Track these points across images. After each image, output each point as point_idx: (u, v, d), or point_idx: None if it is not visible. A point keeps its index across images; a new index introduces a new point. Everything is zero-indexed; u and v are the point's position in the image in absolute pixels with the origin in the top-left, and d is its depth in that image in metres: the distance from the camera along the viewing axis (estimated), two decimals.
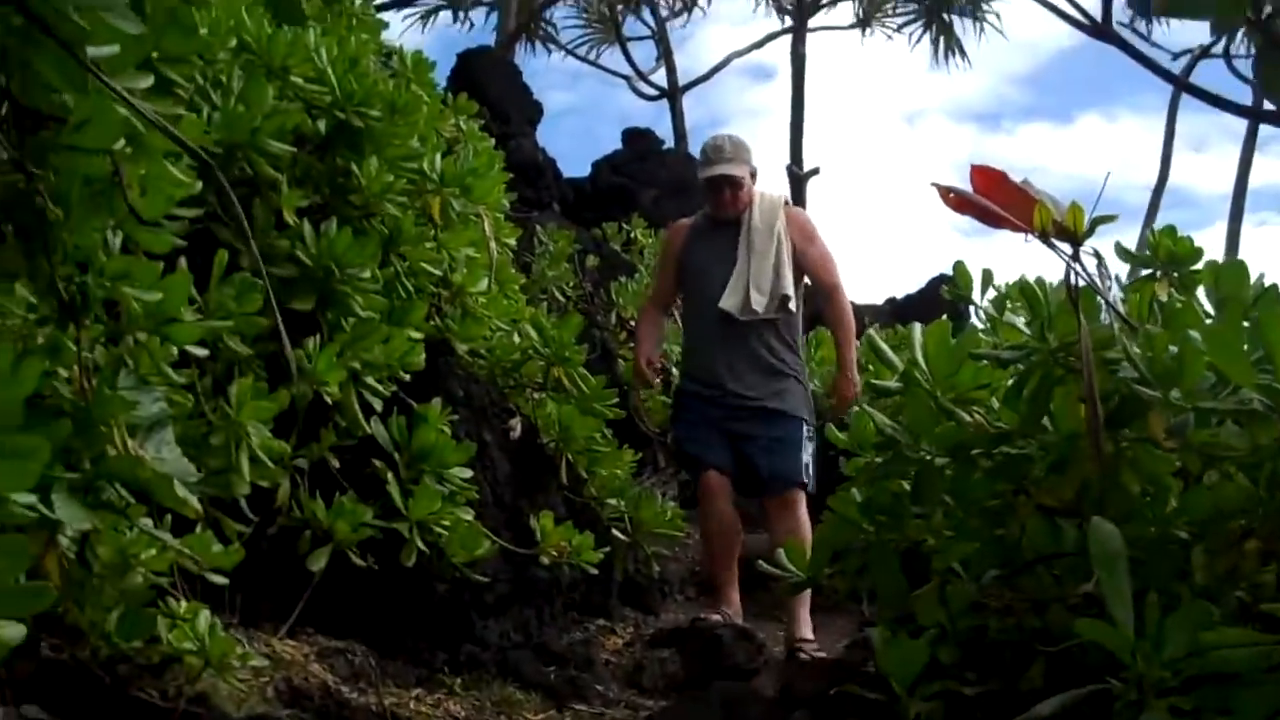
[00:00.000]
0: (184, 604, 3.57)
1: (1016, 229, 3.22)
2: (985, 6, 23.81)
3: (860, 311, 17.17)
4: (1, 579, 2.55)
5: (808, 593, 5.82)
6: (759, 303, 6.33)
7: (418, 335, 5.10)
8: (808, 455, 6.37)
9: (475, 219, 5.89)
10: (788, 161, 22.86)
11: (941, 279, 16.26)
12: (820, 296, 6.71)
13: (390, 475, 4.88)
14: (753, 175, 6.61)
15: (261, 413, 3.96)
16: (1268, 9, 1.59)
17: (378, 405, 4.89)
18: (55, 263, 2.70)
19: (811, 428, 6.44)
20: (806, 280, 6.79)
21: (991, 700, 3.43)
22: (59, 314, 2.82)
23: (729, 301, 6.36)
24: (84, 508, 2.94)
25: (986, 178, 3.15)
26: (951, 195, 3.17)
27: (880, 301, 17.80)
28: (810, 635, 6.19)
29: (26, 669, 3.14)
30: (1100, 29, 1.59)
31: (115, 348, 3.10)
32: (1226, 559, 3.06)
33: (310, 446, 4.66)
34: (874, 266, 49.94)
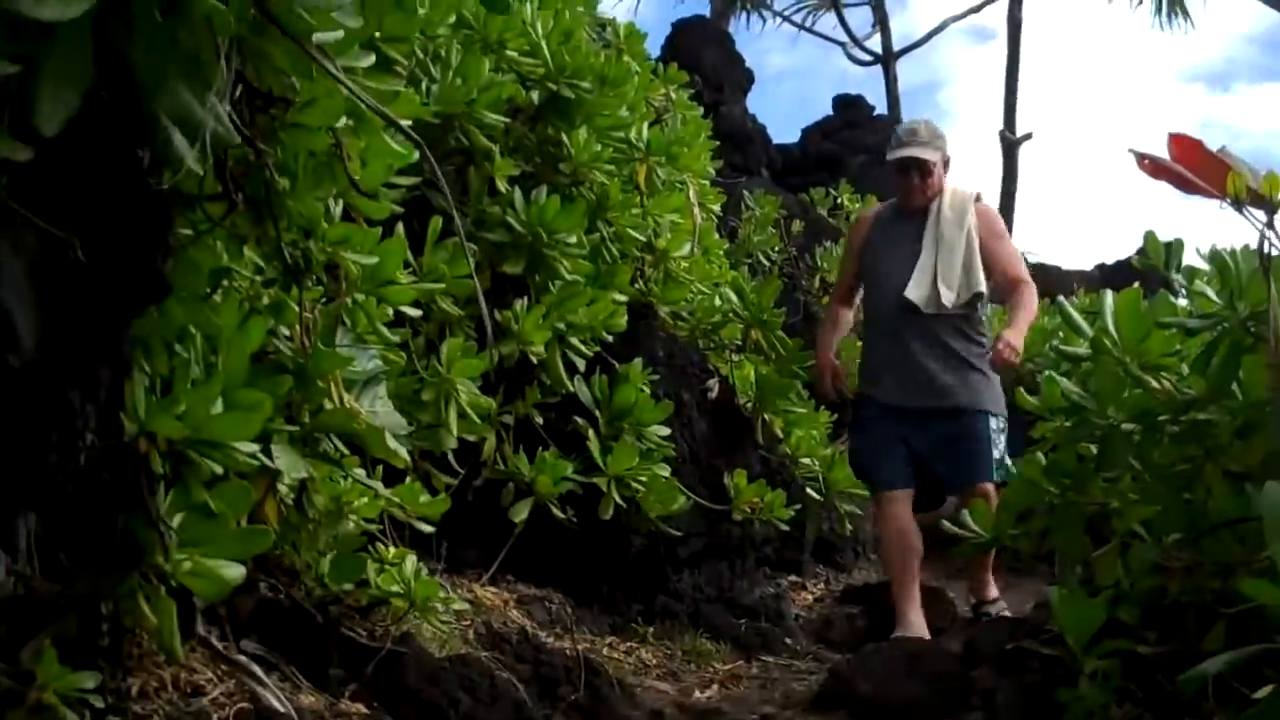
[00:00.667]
0: (392, 550, 3.72)
1: (1210, 195, 3.21)
2: None
3: (1069, 277, 16.97)
4: (225, 522, 2.72)
5: (991, 555, 5.79)
6: (947, 297, 5.81)
7: (621, 298, 5.24)
8: (999, 451, 5.87)
9: (680, 186, 5.98)
10: (1001, 127, 22.51)
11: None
12: (1005, 290, 6.08)
13: (591, 432, 5.02)
14: (945, 164, 6.03)
15: (470, 370, 4.10)
16: None
17: (581, 365, 5.03)
18: (281, 229, 2.83)
19: (1001, 419, 5.94)
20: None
21: (1170, 660, 3.43)
22: (283, 276, 2.96)
23: (915, 293, 5.82)
24: (301, 457, 3.09)
25: (1183, 145, 3.16)
26: (1147, 161, 3.18)
27: (1089, 268, 17.52)
28: (995, 596, 6.06)
29: (246, 606, 3.30)
30: None
31: (333, 306, 3.23)
32: None
33: (515, 403, 4.83)
34: (1089, 231, 48.87)
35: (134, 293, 1.97)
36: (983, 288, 5.87)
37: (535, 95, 5.00)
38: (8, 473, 2.02)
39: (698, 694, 4.64)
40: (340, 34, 2.33)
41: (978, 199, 6.16)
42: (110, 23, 1.49)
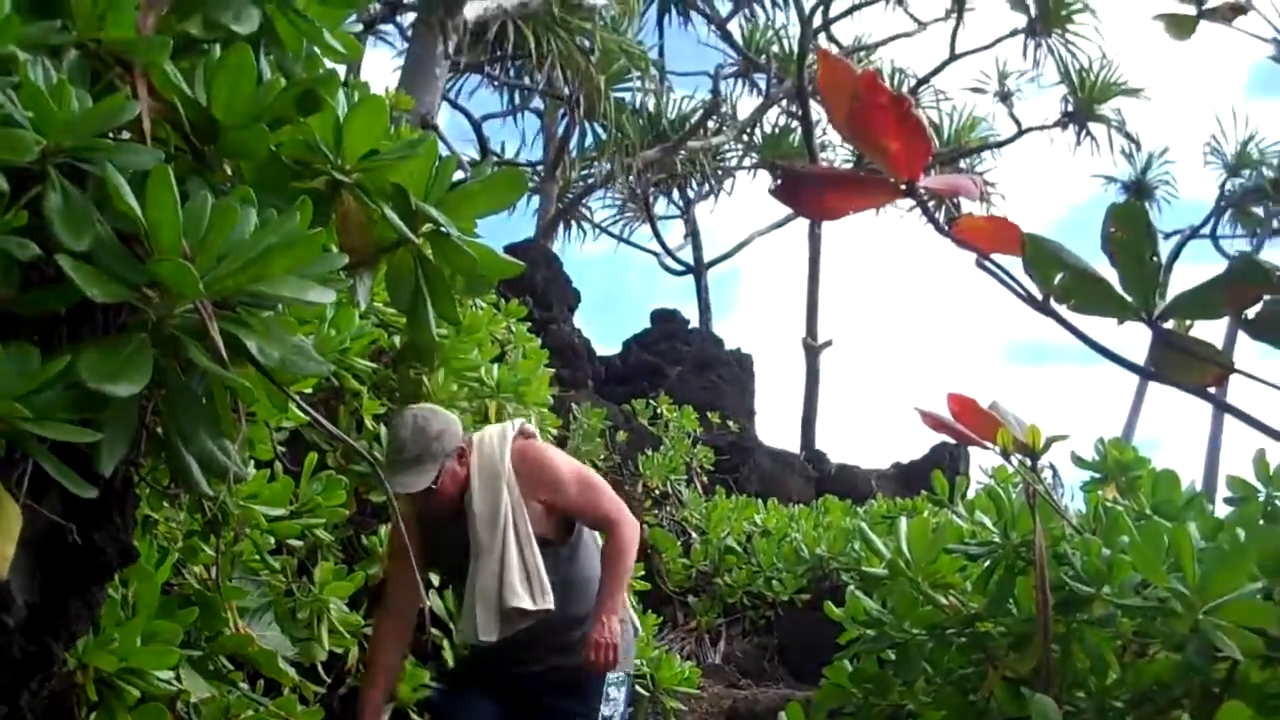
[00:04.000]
0: None
1: (983, 446, 3.66)
2: (990, 188, 24.63)
3: (867, 475, 17.60)
4: None
5: None
6: (486, 627, 4.42)
7: None
8: (612, 714, 4.62)
9: (525, 414, 6.33)
10: (804, 335, 23.40)
11: (944, 445, 16.74)
12: (600, 532, 4.79)
13: (445, 641, 5.27)
14: (459, 455, 4.51)
15: (341, 591, 4.40)
16: (1158, 309, 1.95)
17: (435, 581, 5.29)
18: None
19: (619, 674, 4.64)
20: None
21: None
22: (203, 526, 3.30)
23: (476, 633, 4.44)
24: (204, 678, 3.40)
25: (959, 403, 3.53)
26: (930, 418, 3.56)
27: (886, 466, 18.19)
28: None
29: None
30: (1041, 306, 1.97)
31: (236, 548, 3.56)
32: None
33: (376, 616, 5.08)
34: (888, 430, 50.21)
35: (110, 561, 2.30)
36: (521, 599, 4.39)
37: (397, 340, 5.34)
38: None
39: None
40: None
41: (517, 443, 4.68)
42: (155, 391, 1.90)
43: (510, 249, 14.32)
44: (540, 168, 22.49)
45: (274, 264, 1.96)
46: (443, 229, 2.47)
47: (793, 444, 20.57)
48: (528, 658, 4.54)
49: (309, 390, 3.80)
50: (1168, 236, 24.87)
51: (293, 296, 2.00)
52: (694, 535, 11.52)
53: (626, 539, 4.61)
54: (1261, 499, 4.26)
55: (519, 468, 4.56)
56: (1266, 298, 1.78)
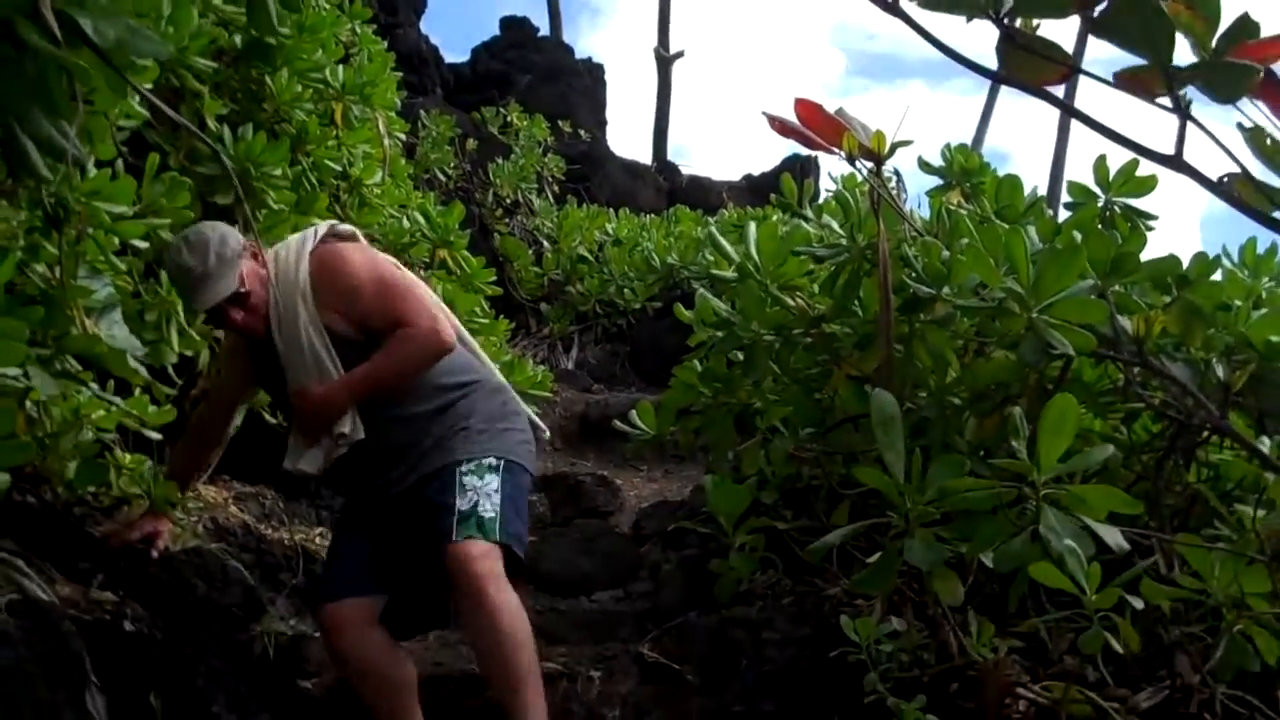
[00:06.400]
0: (129, 456, 3.99)
1: (829, 150, 3.68)
2: None
3: (718, 187, 17.72)
4: None
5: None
6: (296, 453, 3.91)
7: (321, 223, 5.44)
8: (475, 499, 3.74)
9: (372, 119, 6.21)
10: (655, 45, 23.12)
11: (795, 157, 16.86)
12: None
13: None
14: (251, 254, 3.94)
15: None
16: (1005, 6, 1.96)
17: None
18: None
19: (479, 462, 3.85)
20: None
21: (804, 534, 4.00)
22: (44, 223, 3.21)
23: (295, 462, 3.91)
24: (51, 377, 3.36)
25: (806, 108, 3.52)
26: (777, 123, 3.55)
27: (738, 178, 18.32)
28: None
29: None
30: (890, 7, 1.97)
31: (79, 247, 3.48)
32: (992, 420, 3.64)
33: None
34: (741, 142, 50.22)
35: None
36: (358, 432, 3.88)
37: (239, 39, 5.14)
38: None
39: None
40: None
41: (318, 250, 4.04)
42: None
43: None
44: None
45: None
46: None
47: (644, 156, 20.58)
48: (380, 474, 3.96)
49: (148, 87, 3.66)
50: None
51: None
52: (545, 244, 11.59)
53: (413, 339, 3.86)
54: (1100, 204, 4.39)
55: (316, 277, 3.94)
56: None
